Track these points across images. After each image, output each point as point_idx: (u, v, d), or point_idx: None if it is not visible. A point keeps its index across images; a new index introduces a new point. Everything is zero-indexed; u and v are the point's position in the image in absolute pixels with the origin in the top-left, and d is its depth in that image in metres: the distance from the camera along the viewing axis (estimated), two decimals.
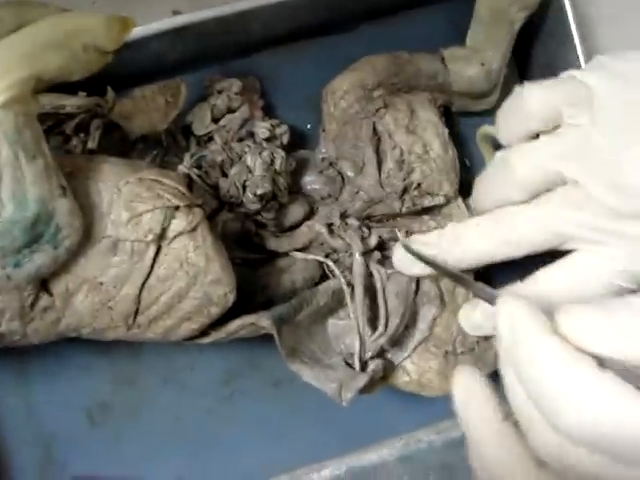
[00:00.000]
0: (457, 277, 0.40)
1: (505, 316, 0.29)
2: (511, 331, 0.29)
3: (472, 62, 0.45)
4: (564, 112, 0.37)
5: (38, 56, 0.33)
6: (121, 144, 0.43)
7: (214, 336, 0.40)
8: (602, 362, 0.27)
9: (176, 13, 0.49)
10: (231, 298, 0.38)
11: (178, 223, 0.37)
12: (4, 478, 0.46)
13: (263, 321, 0.39)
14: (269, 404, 0.46)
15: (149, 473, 0.46)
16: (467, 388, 0.31)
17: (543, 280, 0.40)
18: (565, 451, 0.27)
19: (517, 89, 0.39)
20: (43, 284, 0.37)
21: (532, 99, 0.37)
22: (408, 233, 0.44)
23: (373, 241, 0.43)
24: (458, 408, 0.31)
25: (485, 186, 0.41)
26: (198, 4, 0.48)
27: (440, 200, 0.45)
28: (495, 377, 0.31)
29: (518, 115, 0.38)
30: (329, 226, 0.43)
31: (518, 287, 0.40)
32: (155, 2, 0.49)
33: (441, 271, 0.41)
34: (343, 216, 0.44)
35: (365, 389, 0.41)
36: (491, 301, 0.35)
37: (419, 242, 0.42)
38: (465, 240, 0.40)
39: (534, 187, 0.38)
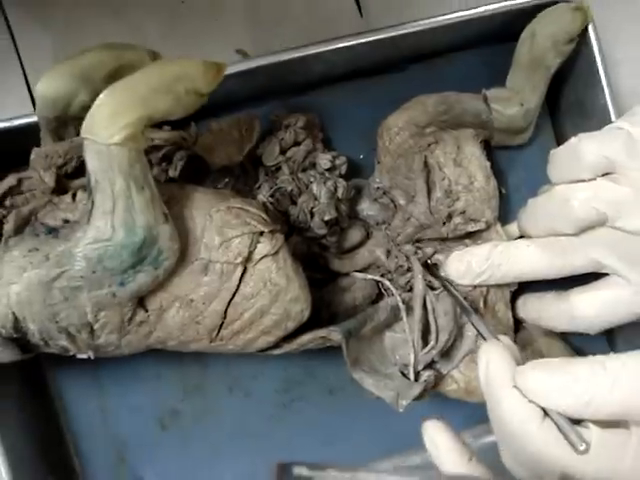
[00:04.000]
0: (462, 305, 0.46)
1: (483, 362, 0.39)
2: (485, 377, 0.38)
3: (512, 102, 0.50)
4: (618, 161, 0.41)
5: (150, 99, 0.37)
6: (195, 173, 0.47)
7: (286, 347, 0.44)
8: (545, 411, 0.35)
9: (239, 52, 0.53)
10: (307, 314, 0.42)
11: (263, 247, 0.41)
12: (80, 479, 0.50)
13: (334, 335, 0.43)
14: (324, 410, 0.51)
15: (215, 475, 0.50)
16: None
17: (574, 300, 0.45)
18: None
19: (573, 140, 0.43)
20: (140, 301, 0.41)
21: (588, 153, 0.42)
22: None
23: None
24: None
25: (539, 214, 0.46)
26: (261, 44, 0.53)
27: (482, 226, 0.49)
28: None
29: (573, 165, 0.43)
30: (387, 252, 0.48)
31: (547, 301, 0.47)
32: (220, 42, 0.54)
33: (451, 295, 0.47)
34: (395, 241, 0.49)
35: (418, 397, 0.45)
36: (483, 336, 0.44)
37: (472, 253, 0.47)
38: (515, 258, 0.45)
39: (586, 225, 0.43)
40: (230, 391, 0.50)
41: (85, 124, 0.37)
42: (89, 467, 0.50)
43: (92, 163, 0.37)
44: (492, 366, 0.38)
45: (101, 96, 0.37)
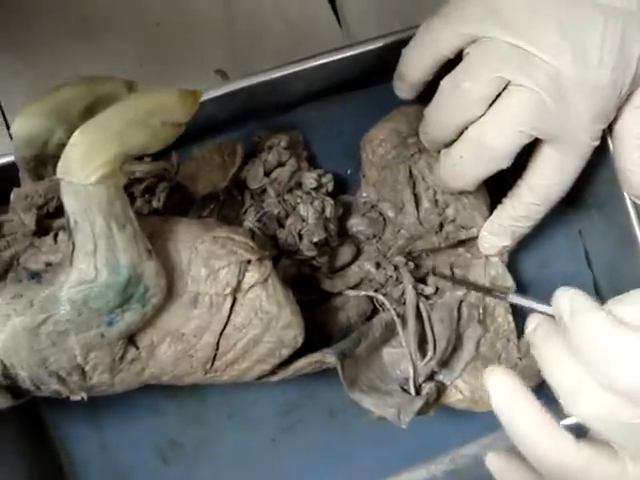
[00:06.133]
0: (488, 290, 0.46)
1: (565, 300, 0.35)
2: (570, 312, 0.34)
3: None
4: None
5: (126, 135, 0.37)
6: (180, 202, 0.46)
7: (282, 374, 0.44)
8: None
9: (219, 72, 0.53)
10: (300, 340, 0.42)
11: (251, 276, 0.40)
12: None
13: (328, 358, 0.42)
14: (326, 432, 0.50)
15: None
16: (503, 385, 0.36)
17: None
18: (616, 410, 0.32)
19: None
20: (130, 338, 0.40)
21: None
22: (449, 266, 0.49)
23: (421, 273, 0.48)
24: (499, 406, 0.36)
25: (441, 115, 0.44)
26: (240, 64, 0.53)
27: (474, 233, 0.49)
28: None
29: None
30: (377, 265, 0.47)
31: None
32: (198, 63, 0.53)
33: (473, 288, 0.46)
34: (386, 255, 0.48)
35: (421, 411, 0.45)
36: (531, 309, 0.39)
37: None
38: (459, 170, 0.44)
39: (491, 98, 0.41)
40: (229, 418, 0.50)
41: (60, 165, 0.36)
42: None
43: (70, 204, 0.36)
44: (578, 297, 0.35)
45: (75, 135, 0.36)
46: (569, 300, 0.35)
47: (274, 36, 0.54)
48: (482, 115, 0.42)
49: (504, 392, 0.36)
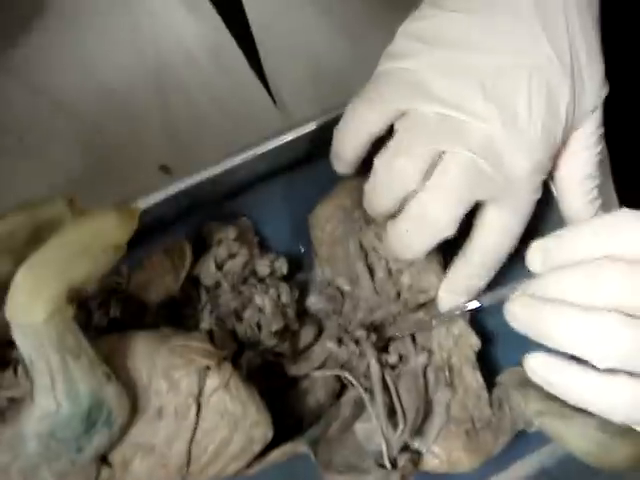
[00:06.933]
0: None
1: None
2: None
3: None
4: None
5: (68, 269, 0.37)
6: (137, 311, 0.47)
7: (258, 467, 0.44)
8: None
9: (163, 168, 0.54)
10: (270, 434, 0.42)
11: (212, 382, 0.41)
12: None
13: (300, 447, 0.43)
14: None
15: None
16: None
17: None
18: None
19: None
20: (103, 458, 0.41)
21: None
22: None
23: (384, 343, 0.49)
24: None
25: (379, 194, 0.44)
26: (183, 157, 0.54)
27: (432, 295, 0.49)
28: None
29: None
30: (339, 341, 0.48)
31: None
32: (142, 160, 0.54)
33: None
34: (347, 329, 0.49)
35: None
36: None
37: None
38: (407, 242, 0.44)
39: (425, 170, 0.42)
40: None
41: (7, 307, 0.37)
42: None
43: (22, 344, 0.37)
44: None
45: (17, 276, 0.37)
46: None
47: (213, 126, 0.55)
48: (421, 187, 0.43)
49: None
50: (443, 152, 0.42)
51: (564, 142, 0.46)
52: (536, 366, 0.39)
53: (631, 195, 0.59)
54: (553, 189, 0.49)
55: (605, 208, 0.48)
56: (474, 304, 0.47)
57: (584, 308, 0.36)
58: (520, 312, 0.39)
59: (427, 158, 0.42)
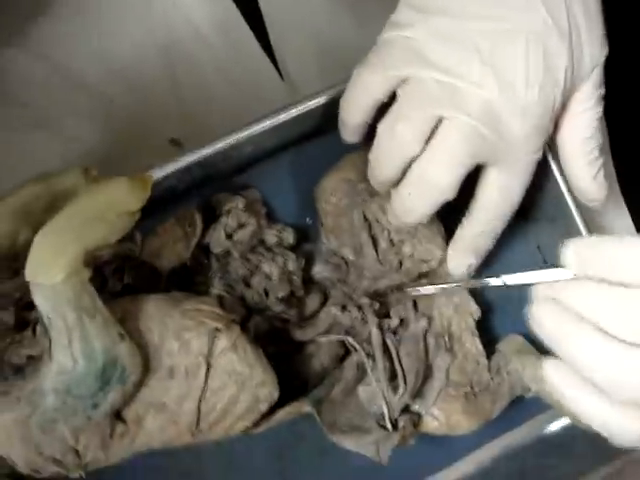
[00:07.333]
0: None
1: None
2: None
3: None
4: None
5: (84, 233, 0.39)
6: (150, 276, 0.48)
7: (265, 425, 0.46)
8: None
9: (173, 141, 0.55)
10: (275, 394, 0.44)
11: (221, 342, 0.43)
12: None
13: (305, 407, 0.45)
14: (318, 471, 0.52)
15: None
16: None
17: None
18: None
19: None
20: (117, 415, 0.43)
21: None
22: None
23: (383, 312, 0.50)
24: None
25: (382, 159, 0.46)
26: (192, 130, 0.55)
27: (433, 265, 0.51)
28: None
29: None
30: (343, 307, 0.50)
31: None
32: (153, 133, 0.56)
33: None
34: (352, 297, 0.50)
35: (400, 443, 0.47)
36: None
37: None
38: (409, 206, 0.46)
39: (426, 135, 0.44)
40: (225, 469, 0.52)
41: (27, 268, 0.39)
42: None
43: (41, 304, 0.39)
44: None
45: (36, 239, 0.39)
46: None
47: (221, 100, 0.56)
48: (422, 152, 0.44)
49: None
50: (442, 118, 0.44)
51: (564, 104, 0.47)
52: (554, 375, 0.38)
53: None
54: (551, 162, 0.50)
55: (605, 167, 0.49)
56: (497, 281, 0.46)
57: (619, 341, 0.35)
58: (546, 322, 0.37)
59: (427, 123, 0.44)
